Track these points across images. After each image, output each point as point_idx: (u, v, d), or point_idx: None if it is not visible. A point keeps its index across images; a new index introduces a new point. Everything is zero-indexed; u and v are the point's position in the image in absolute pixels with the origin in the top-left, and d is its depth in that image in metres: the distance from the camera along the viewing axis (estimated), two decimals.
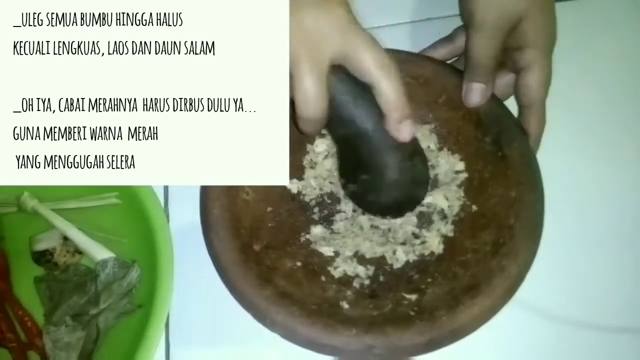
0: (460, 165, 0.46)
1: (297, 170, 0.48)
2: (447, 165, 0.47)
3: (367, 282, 0.43)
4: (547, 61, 0.43)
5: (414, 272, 0.43)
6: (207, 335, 0.45)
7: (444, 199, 0.45)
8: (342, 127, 0.39)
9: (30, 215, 0.49)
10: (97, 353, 0.44)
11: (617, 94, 0.50)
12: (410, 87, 0.46)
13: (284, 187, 0.47)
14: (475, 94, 0.44)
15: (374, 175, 0.42)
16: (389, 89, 0.36)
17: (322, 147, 0.48)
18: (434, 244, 0.44)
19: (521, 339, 0.43)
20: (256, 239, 0.44)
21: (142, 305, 0.45)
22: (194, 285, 0.46)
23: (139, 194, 0.47)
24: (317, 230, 0.46)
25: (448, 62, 0.49)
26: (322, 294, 0.42)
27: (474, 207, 0.44)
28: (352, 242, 0.45)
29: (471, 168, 0.46)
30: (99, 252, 0.47)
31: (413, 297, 0.41)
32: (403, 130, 0.38)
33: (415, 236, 0.45)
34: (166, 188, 0.50)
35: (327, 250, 0.45)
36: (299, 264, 0.44)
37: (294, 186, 0.47)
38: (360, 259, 0.45)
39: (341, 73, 0.37)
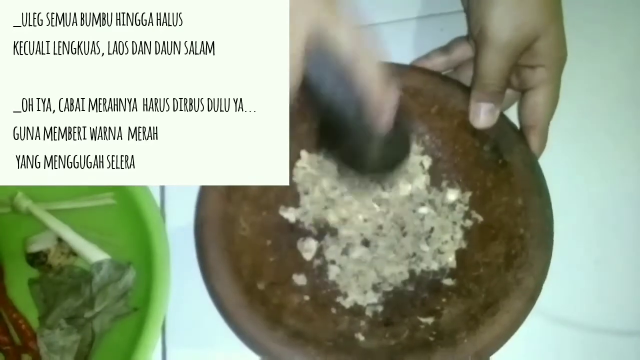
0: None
1: (292, 198, 0.47)
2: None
3: (380, 309, 0.42)
4: (557, 82, 0.43)
5: (426, 293, 0.43)
6: (203, 338, 0.45)
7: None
8: (322, 95, 0.38)
9: (24, 216, 0.49)
10: (92, 357, 0.44)
11: (625, 97, 0.50)
12: (401, 99, 0.46)
13: (281, 217, 0.46)
14: (484, 115, 0.43)
15: (354, 140, 0.39)
16: (367, 71, 0.35)
17: (299, 177, 0.48)
18: (449, 259, 0.44)
19: (532, 343, 0.43)
20: (259, 276, 0.42)
21: (138, 308, 0.44)
22: (191, 287, 0.45)
23: (134, 194, 0.46)
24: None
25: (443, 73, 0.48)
26: (335, 327, 0.41)
27: (480, 218, 0.44)
28: (355, 283, 0.44)
29: (472, 178, 0.45)
30: (93, 254, 0.46)
31: (429, 320, 0.40)
32: (379, 110, 0.36)
33: (422, 251, 0.45)
34: (162, 188, 0.50)
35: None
36: (306, 297, 0.43)
37: (291, 215, 0.47)
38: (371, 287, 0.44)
39: (323, 44, 0.35)
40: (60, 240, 0.47)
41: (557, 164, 0.44)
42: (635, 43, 0.52)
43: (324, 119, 0.43)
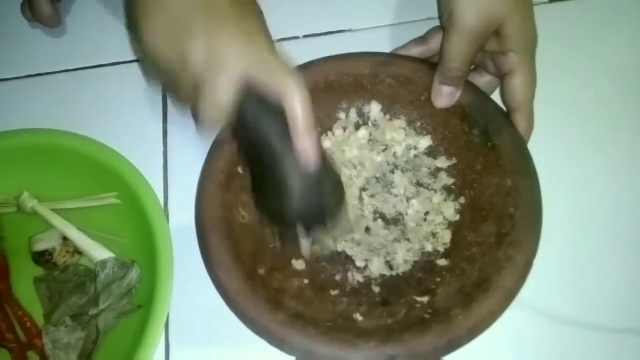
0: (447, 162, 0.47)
1: None
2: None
3: (377, 289, 0.43)
4: (531, 64, 0.43)
5: (421, 273, 0.43)
6: (206, 336, 0.45)
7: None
8: (246, 135, 0.37)
9: (29, 216, 0.49)
10: (96, 353, 0.44)
11: (613, 91, 0.50)
12: (391, 87, 0.47)
13: None
14: (444, 97, 0.45)
15: (275, 184, 0.38)
16: (296, 101, 0.35)
17: None
18: (446, 237, 0.44)
19: (523, 339, 0.43)
20: (259, 262, 0.43)
21: (141, 306, 0.45)
22: (194, 285, 0.46)
23: (138, 194, 0.47)
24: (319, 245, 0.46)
25: None
26: (334, 308, 0.42)
27: (472, 201, 0.44)
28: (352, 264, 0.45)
29: (462, 161, 0.46)
30: (98, 252, 0.47)
31: (425, 299, 0.41)
32: (307, 142, 0.36)
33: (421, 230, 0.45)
34: (166, 188, 0.50)
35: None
36: (306, 281, 0.44)
37: None
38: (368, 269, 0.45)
39: (249, 89, 0.36)
40: (65, 239, 0.48)
41: (552, 159, 0.45)
42: (630, 38, 0.52)
43: (249, 159, 0.40)
